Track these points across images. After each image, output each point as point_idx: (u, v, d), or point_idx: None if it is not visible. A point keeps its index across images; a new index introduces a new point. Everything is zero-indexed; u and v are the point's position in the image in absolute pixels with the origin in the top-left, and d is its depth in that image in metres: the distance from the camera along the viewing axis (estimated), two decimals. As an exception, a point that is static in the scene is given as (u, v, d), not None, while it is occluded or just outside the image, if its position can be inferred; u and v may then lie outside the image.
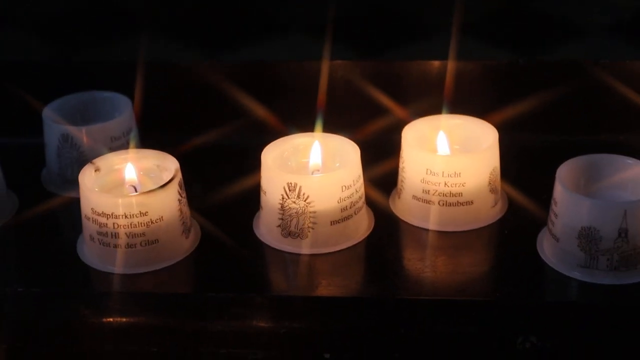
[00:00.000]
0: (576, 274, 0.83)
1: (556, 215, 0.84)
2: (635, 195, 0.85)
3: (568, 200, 0.83)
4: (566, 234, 0.83)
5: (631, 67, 1.02)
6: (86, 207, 0.86)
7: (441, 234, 0.90)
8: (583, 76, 1.02)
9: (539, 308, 0.81)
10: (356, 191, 0.88)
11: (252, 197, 0.92)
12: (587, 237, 0.82)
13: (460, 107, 0.96)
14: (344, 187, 0.87)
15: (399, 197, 0.94)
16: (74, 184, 0.89)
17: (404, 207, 0.93)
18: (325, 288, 0.84)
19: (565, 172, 0.85)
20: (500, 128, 0.92)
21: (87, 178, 0.87)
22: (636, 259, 0.82)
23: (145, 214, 0.85)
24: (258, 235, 0.90)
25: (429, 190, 0.90)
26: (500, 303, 0.81)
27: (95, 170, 0.89)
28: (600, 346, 0.82)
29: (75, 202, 0.88)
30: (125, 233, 0.85)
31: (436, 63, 1.04)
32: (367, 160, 0.91)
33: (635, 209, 0.80)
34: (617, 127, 1.04)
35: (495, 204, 0.92)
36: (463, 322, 0.82)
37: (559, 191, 0.84)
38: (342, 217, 0.88)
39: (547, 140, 1.03)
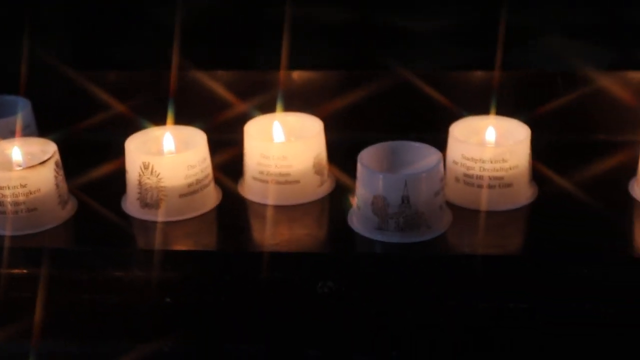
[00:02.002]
0: (373, 235, 1.03)
1: (358, 188, 1.04)
2: (416, 170, 1.05)
3: (363, 174, 1.02)
4: (364, 203, 1.02)
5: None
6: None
7: (277, 207, 1.10)
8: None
9: (339, 259, 1.01)
10: (201, 171, 1.08)
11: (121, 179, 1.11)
12: (379, 204, 1.01)
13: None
14: (189, 167, 1.07)
15: (243, 179, 1.13)
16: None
17: (247, 186, 1.12)
18: (175, 245, 1.03)
19: (366, 155, 1.05)
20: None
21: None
22: (418, 222, 1.01)
23: (25, 185, 1.04)
24: (123, 209, 1.10)
25: (263, 172, 1.10)
26: (309, 255, 1.01)
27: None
28: (388, 290, 1.01)
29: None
30: (10, 202, 1.05)
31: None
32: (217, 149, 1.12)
33: (413, 179, 1.00)
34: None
35: (322, 184, 1.12)
36: (283, 270, 1.01)
37: (359, 169, 1.03)
38: (190, 191, 1.07)
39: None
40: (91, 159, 1.19)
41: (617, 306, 0.98)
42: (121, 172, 1.11)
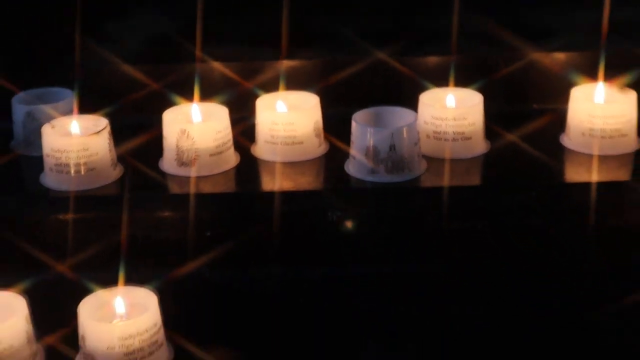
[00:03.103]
0: (368, 178, 1.31)
1: (353, 142, 1.32)
2: (399, 125, 1.32)
3: (358, 130, 1.31)
4: (360, 153, 1.31)
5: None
6: (47, 148, 1.31)
7: (285, 164, 1.37)
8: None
9: (342, 193, 1.29)
10: (226, 135, 1.35)
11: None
12: (372, 152, 1.29)
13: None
14: (217, 132, 1.34)
15: (256, 143, 1.41)
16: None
17: (259, 149, 1.40)
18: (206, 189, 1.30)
19: (358, 116, 1.33)
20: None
21: (48, 130, 1.32)
22: (402, 165, 1.30)
23: (87, 149, 1.30)
24: (162, 168, 1.36)
25: (274, 136, 1.37)
26: (319, 192, 1.29)
27: (52, 127, 1.34)
28: (381, 219, 1.30)
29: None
30: (73, 164, 1.30)
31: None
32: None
33: (398, 132, 1.29)
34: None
35: (320, 145, 1.39)
36: (295, 205, 1.29)
37: (354, 126, 1.32)
38: (217, 151, 1.34)
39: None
40: (128, 133, 1.44)
41: (553, 222, 1.29)
42: (157, 141, 1.37)
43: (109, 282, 1.14)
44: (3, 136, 1.45)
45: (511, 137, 1.40)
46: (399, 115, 1.35)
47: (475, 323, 1.21)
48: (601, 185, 1.29)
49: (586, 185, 1.29)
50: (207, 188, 1.31)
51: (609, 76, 1.39)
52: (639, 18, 1.51)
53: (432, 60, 1.52)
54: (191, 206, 1.29)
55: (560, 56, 1.52)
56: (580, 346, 1.16)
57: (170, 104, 1.39)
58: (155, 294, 1.12)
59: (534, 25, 1.56)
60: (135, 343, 1.08)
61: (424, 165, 1.34)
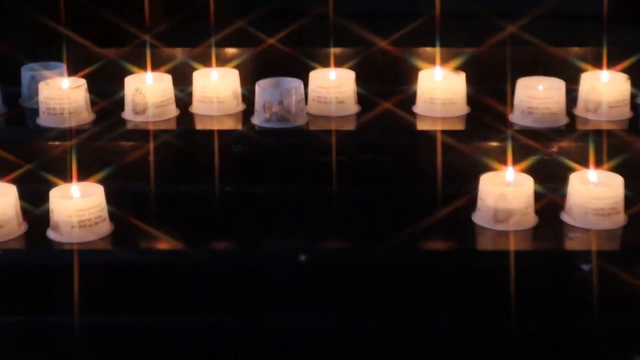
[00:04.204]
0: (264, 124, 1.84)
1: (256, 100, 1.86)
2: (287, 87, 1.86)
3: (258, 91, 1.85)
4: (259, 106, 1.85)
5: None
6: (42, 97, 1.86)
7: (212, 117, 1.91)
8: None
9: (245, 133, 1.83)
10: (168, 94, 1.90)
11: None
12: (267, 106, 1.83)
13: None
14: (162, 91, 1.89)
15: (192, 102, 1.95)
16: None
17: (194, 107, 1.94)
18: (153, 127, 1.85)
19: (262, 82, 1.87)
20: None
21: (43, 86, 1.88)
22: (288, 116, 1.83)
23: (69, 99, 1.86)
24: (123, 117, 1.91)
25: (204, 96, 1.91)
26: (230, 131, 1.83)
27: (46, 84, 1.89)
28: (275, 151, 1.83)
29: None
30: (59, 108, 1.86)
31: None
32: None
33: (285, 91, 1.82)
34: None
35: (237, 105, 1.93)
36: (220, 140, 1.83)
37: (256, 89, 1.86)
38: (161, 105, 1.89)
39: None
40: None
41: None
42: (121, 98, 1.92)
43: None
44: (14, 95, 2.01)
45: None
46: (290, 82, 1.89)
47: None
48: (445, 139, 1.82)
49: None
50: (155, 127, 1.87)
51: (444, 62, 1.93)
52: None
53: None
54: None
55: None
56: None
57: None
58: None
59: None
60: (85, 214, 1.63)
61: (305, 119, 1.88)
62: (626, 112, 1.88)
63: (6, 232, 1.64)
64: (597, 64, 1.94)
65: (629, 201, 1.67)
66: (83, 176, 1.73)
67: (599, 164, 1.72)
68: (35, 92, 1.96)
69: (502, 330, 1.59)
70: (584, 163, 1.73)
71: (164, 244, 1.66)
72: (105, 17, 2.05)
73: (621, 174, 1.68)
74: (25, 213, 1.69)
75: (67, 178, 1.73)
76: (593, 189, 1.66)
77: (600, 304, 1.57)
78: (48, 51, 2.04)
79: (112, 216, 1.68)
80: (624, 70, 1.91)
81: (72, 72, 1.98)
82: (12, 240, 1.64)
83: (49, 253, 1.63)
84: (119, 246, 1.64)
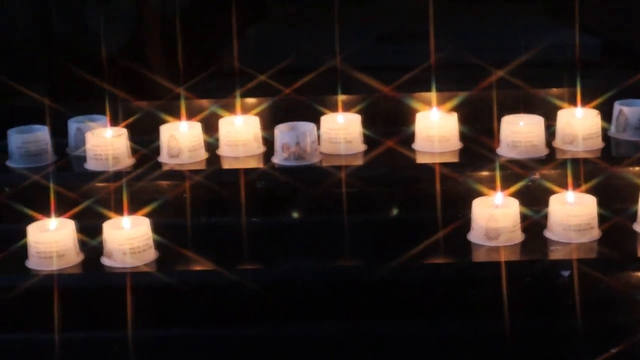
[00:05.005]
0: (283, 163, 2.12)
1: (275, 142, 2.14)
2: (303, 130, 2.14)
3: (277, 133, 2.12)
4: (279, 147, 2.12)
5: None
6: (89, 144, 2.14)
7: (237, 158, 2.18)
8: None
9: (266, 171, 2.10)
10: (198, 138, 2.17)
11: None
12: (285, 147, 2.11)
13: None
14: (193, 136, 2.16)
15: (219, 146, 2.22)
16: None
17: (221, 150, 2.21)
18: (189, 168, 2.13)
19: (280, 126, 2.14)
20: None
21: (89, 135, 2.15)
22: (304, 155, 2.10)
23: (113, 145, 2.13)
24: (159, 160, 2.18)
25: (230, 140, 2.19)
26: (254, 169, 2.10)
27: (92, 134, 2.16)
28: (295, 190, 2.10)
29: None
30: (105, 154, 2.13)
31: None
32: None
33: (301, 134, 2.10)
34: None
35: (258, 147, 2.21)
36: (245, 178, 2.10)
37: (275, 132, 2.13)
38: (193, 149, 2.16)
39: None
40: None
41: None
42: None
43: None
44: (62, 145, 2.29)
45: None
46: (305, 126, 2.17)
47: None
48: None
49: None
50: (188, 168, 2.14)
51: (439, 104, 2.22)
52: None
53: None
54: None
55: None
56: None
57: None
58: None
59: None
60: (135, 242, 1.89)
61: (319, 157, 2.15)
62: (598, 143, 2.16)
63: (66, 261, 1.91)
64: (572, 103, 2.22)
65: (602, 218, 1.95)
66: (128, 212, 2.01)
67: (575, 187, 1.99)
68: (80, 142, 2.24)
69: (495, 332, 1.84)
70: (563, 187, 2.01)
71: (200, 266, 1.93)
72: (141, 73, 2.34)
73: (595, 195, 1.96)
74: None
75: (114, 213, 2.01)
76: (571, 208, 1.93)
77: (579, 306, 1.84)
78: (91, 105, 2.33)
79: (156, 245, 1.95)
80: (595, 107, 2.20)
81: (113, 123, 2.26)
82: (71, 267, 1.92)
83: (106, 277, 1.90)
84: (164, 269, 1.91)
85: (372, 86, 2.33)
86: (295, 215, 2.12)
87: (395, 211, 2.12)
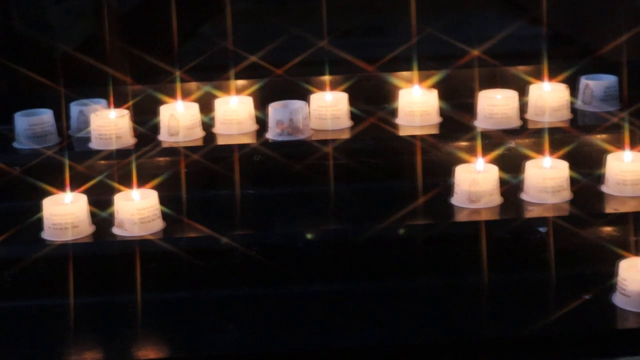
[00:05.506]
0: (277, 137, 2.27)
1: (269, 119, 2.29)
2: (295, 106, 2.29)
3: (270, 111, 2.27)
4: (272, 124, 2.27)
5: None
6: (93, 125, 2.28)
7: (233, 134, 2.33)
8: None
9: (262, 145, 2.25)
10: (196, 117, 2.32)
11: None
12: (279, 123, 2.26)
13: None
14: (191, 116, 2.31)
15: (215, 125, 2.37)
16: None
17: (217, 127, 2.36)
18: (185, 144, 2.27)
19: (273, 104, 2.30)
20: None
21: (94, 116, 2.29)
22: (297, 130, 2.25)
23: (117, 125, 2.27)
24: (158, 138, 2.33)
25: (226, 118, 2.34)
26: (249, 144, 2.25)
27: (96, 115, 2.30)
28: (288, 159, 2.26)
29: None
30: (108, 134, 2.27)
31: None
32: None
33: (294, 110, 2.25)
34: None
35: (253, 125, 2.36)
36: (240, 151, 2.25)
37: (269, 109, 2.28)
38: (191, 127, 2.31)
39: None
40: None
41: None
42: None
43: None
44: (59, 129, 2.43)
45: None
46: (297, 103, 2.33)
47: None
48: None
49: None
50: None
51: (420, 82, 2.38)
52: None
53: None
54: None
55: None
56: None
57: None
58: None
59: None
60: (145, 213, 2.04)
61: (310, 133, 2.31)
62: (567, 114, 2.34)
63: (80, 231, 2.05)
64: (541, 78, 2.40)
65: (572, 181, 2.12)
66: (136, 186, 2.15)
67: (548, 153, 2.17)
68: (83, 124, 2.38)
69: (477, 285, 2.01)
70: (536, 154, 2.19)
71: (202, 234, 2.08)
72: (139, 57, 2.49)
73: (566, 160, 2.13)
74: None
75: (123, 187, 2.16)
76: (544, 172, 2.10)
77: (553, 259, 2.01)
78: (91, 90, 2.47)
79: (163, 215, 2.10)
80: (562, 81, 2.38)
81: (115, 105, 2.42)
82: (85, 237, 2.06)
83: (117, 245, 2.04)
84: (170, 237, 2.06)
85: (357, 66, 2.50)
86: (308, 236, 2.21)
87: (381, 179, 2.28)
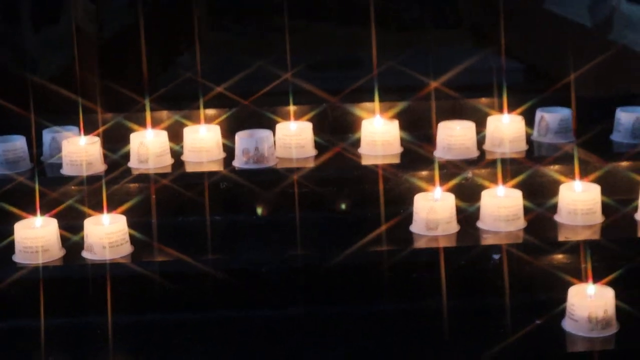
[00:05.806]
0: (243, 166, 2.35)
1: (236, 148, 2.36)
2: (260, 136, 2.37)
3: (238, 140, 2.35)
4: (239, 152, 2.35)
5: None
6: (65, 151, 2.34)
7: (199, 162, 2.40)
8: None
9: (229, 172, 2.33)
10: (164, 146, 2.39)
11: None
12: (245, 151, 2.34)
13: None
14: (161, 143, 2.38)
15: (184, 152, 2.45)
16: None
17: (185, 156, 2.44)
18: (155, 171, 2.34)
19: (240, 133, 2.38)
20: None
21: (66, 142, 2.36)
22: (262, 159, 2.33)
23: (87, 152, 2.34)
24: (129, 165, 2.40)
25: (194, 146, 2.41)
26: (217, 172, 2.33)
27: (68, 142, 2.37)
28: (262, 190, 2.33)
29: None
30: (79, 160, 2.34)
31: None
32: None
33: (259, 139, 2.33)
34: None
35: (220, 154, 2.43)
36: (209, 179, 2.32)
37: (236, 139, 2.36)
38: (160, 154, 2.38)
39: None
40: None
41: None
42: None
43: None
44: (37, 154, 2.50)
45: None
46: (262, 132, 2.41)
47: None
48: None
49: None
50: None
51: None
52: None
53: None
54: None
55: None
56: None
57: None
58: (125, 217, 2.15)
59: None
60: (113, 237, 2.11)
61: (275, 161, 2.39)
62: (523, 145, 2.44)
63: (51, 255, 2.11)
64: (499, 110, 2.50)
65: (526, 210, 2.21)
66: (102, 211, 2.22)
67: (503, 183, 2.26)
68: (55, 151, 2.45)
69: (434, 310, 2.09)
70: (492, 183, 2.28)
71: (171, 258, 2.15)
72: (111, 87, 2.56)
73: (521, 190, 2.22)
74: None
75: (93, 212, 2.22)
76: (499, 201, 2.19)
77: (508, 285, 2.09)
78: (63, 117, 2.54)
79: (131, 240, 2.16)
80: (521, 114, 2.48)
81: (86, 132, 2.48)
82: (55, 260, 2.12)
83: (86, 269, 2.11)
84: (138, 261, 2.12)
85: (321, 97, 2.59)
86: (259, 211, 2.32)
87: (344, 207, 2.36)
